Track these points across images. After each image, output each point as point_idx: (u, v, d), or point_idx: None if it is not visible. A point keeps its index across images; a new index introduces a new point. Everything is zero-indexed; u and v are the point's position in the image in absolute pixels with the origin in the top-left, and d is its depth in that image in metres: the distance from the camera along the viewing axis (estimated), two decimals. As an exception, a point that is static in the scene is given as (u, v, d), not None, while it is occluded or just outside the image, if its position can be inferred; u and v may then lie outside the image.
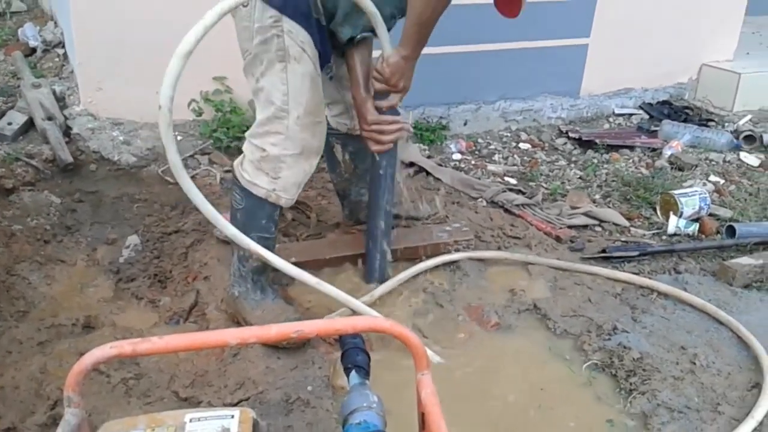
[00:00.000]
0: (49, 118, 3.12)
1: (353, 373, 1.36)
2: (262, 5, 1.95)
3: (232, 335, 1.17)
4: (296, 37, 1.97)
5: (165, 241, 2.67)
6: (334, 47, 2.18)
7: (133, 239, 2.66)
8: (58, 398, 1.83)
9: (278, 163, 2.05)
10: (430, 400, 1.19)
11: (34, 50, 3.86)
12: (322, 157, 3.25)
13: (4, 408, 1.83)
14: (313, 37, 2.00)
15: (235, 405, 1.86)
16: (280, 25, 1.95)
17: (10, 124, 3.12)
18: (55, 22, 4.05)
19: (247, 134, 2.12)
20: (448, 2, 1.91)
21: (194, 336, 1.18)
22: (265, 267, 2.17)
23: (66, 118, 3.22)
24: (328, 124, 2.54)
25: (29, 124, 3.17)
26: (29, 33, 3.93)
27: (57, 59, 3.77)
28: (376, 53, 2.18)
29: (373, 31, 2.09)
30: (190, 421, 1.12)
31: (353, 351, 1.40)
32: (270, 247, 2.17)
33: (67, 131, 3.17)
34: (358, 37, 2.11)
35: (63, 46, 3.83)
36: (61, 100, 3.32)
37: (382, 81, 2.12)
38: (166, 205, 2.87)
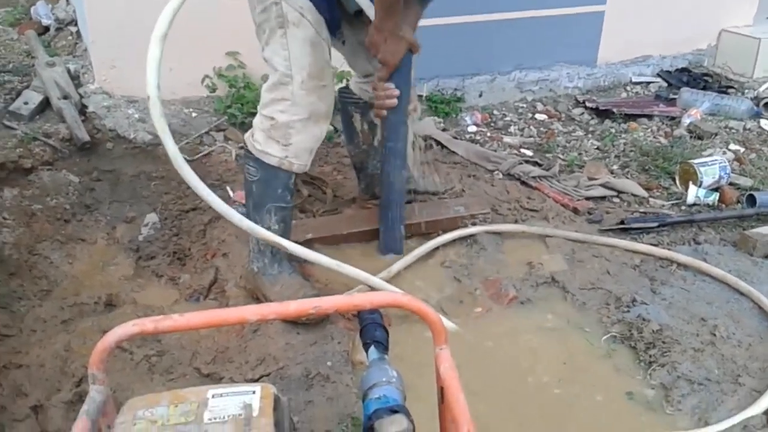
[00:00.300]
0: (65, 97, 3.13)
1: (372, 348, 1.37)
2: None
3: (251, 312, 1.18)
4: (294, 3, 2.00)
5: (183, 218, 2.69)
6: (358, 16, 2.19)
7: (152, 217, 2.68)
8: (83, 375, 1.86)
9: (288, 129, 2.08)
10: (449, 374, 1.20)
11: (47, 29, 3.85)
12: (337, 131, 3.30)
13: (30, 386, 1.87)
14: (316, 3, 2.03)
15: (256, 381, 1.89)
16: None
17: (26, 103, 3.13)
18: (67, 0, 4.04)
19: (258, 107, 2.16)
20: None
21: (214, 313, 1.19)
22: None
23: (81, 97, 3.23)
24: (349, 92, 2.56)
25: (45, 104, 3.18)
26: (42, 11, 3.93)
27: (70, 37, 3.76)
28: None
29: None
30: (213, 397, 1.13)
31: (372, 326, 1.40)
32: (288, 218, 2.21)
33: (82, 110, 3.17)
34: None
35: (76, 24, 3.82)
36: (75, 79, 3.32)
37: (369, 49, 2.18)
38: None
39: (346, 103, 2.59)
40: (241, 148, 3.05)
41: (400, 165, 2.35)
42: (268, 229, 2.15)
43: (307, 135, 2.11)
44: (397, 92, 2.18)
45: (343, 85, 2.74)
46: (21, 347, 2.01)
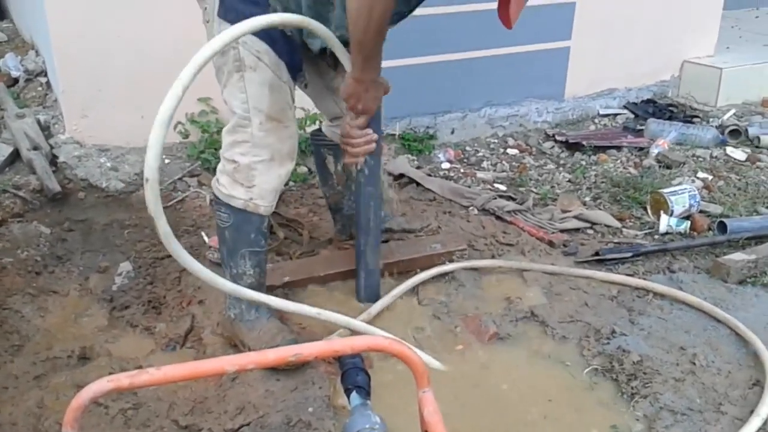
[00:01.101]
0: (35, 148, 3.10)
1: (354, 394, 1.36)
2: (219, 21, 2.01)
3: (229, 362, 1.16)
4: (251, 48, 2.00)
5: (158, 266, 2.65)
6: (323, 58, 2.19)
7: (126, 266, 2.64)
8: (57, 433, 1.81)
9: (250, 171, 2.07)
10: (433, 418, 1.18)
11: (16, 80, 3.83)
12: (312, 172, 3.31)
13: (2, 446, 1.81)
14: (275, 47, 2.03)
15: (236, 431, 1.85)
16: None
17: (-5, 156, 3.10)
18: (36, 51, 4.03)
19: (221, 151, 2.14)
20: (385, 24, 1.87)
21: (192, 365, 1.17)
22: (259, 285, 2.16)
23: (52, 147, 3.20)
24: (321, 135, 2.55)
25: (15, 155, 3.15)
26: (11, 63, 3.91)
27: (40, 88, 3.74)
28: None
29: (345, 43, 2.06)
30: (192, 452, 1.11)
31: (353, 371, 1.39)
32: (262, 262, 2.18)
33: (53, 160, 3.14)
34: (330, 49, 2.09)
35: (45, 75, 3.81)
36: (45, 129, 3.30)
37: (346, 102, 2.10)
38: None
39: (318, 146, 2.59)
40: (214, 193, 3.05)
41: (377, 208, 2.34)
42: (243, 274, 2.13)
43: (270, 176, 2.10)
44: (376, 137, 2.15)
45: (316, 127, 2.75)
46: (-8, 405, 1.95)
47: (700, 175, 3.53)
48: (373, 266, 2.39)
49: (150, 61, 3.16)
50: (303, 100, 2.56)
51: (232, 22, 1.92)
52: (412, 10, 2.10)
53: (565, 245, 2.85)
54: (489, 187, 3.40)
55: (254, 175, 2.07)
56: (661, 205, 3.06)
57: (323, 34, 1.97)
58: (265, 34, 2.00)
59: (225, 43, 1.79)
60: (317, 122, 3.33)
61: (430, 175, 3.46)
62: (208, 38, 2.07)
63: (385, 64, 2.04)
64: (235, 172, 2.08)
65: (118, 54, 3.17)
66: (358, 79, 2.00)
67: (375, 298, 2.40)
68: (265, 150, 2.07)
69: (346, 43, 2.03)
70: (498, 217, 3.06)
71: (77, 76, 3.18)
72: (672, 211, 3.00)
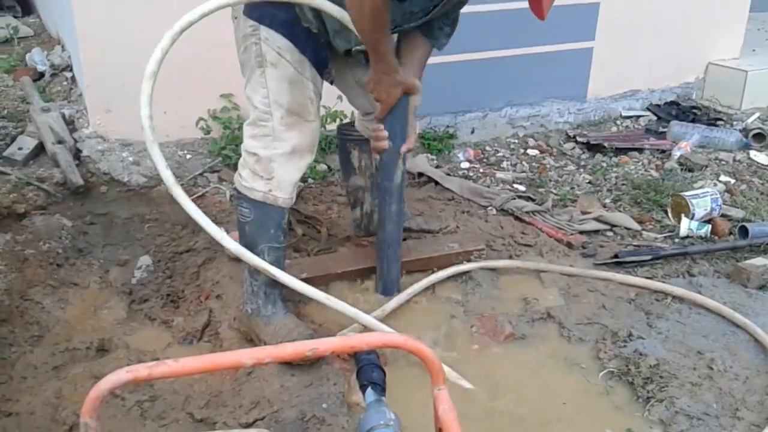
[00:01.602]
0: (59, 142, 3.14)
1: (369, 390, 1.36)
2: (243, 17, 2.07)
3: (247, 356, 1.17)
4: (273, 44, 2.05)
5: (177, 260, 2.68)
6: (354, 55, 2.21)
7: (145, 260, 2.67)
8: (74, 423, 1.84)
9: (270, 163, 2.11)
10: (447, 416, 1.19)
11: (42, 75, 3.89)
12: (330, 170, 3.32)
13: (20, 434, 1.84)
14: (298, 44, 2.07)
15: (251, 425, 1.86)
16: (257, 34, 2.05)
17: (20, 149, 3.14)
18: (62, 46, 4.08)
19: (242, 146, 2.19)
20: (380, 22, 1.93)
21: (210, 358, 1.18)
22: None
23: (76, 141, 3.24)
24: (348, 130, 2.58)
25: (39, 149, 3.19)
26: (37, 58, 3.97)
27: (65, 83, 3.79)
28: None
29: (362, 52, 2.13)
30: (207, 444, 1.12)
31: (368, 367, 1.40)
32: (281, 258, 2.21)
33: (77, 154, 3.18)
34: (355, 49, 2.14)
35: (71, 70, 3.85)
36: (70, 124, 3.34)
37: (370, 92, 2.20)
38: (176, 225, 2.87)
39: (344, 140, 2.62)
40: (235, 188, 3.07)
41: (395, 206, 2.34)
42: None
43: (290, 168, 2.13)
44: (384, 134, 2.18)
45: (335, 125, 2.76)
46: (11, 395, 1.98)
47: (723, 178, 3.49)
48: (394, 261, 2.39)
49: (173, 57, 3.18)
50: (324, 98, 2.57)
51: (256, 20, 2.00)
52: (411, 25, 2.10)
53: (583, 247, 2.83)
54: (508, 187, 3.38)
55: (273, 167, 2.11)
56: (682, 208, 3.03)
57: (331, 9, 2.00)
58: (289, 31, 2.05)
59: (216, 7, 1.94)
60: (338, 120, 3.34)
61: (449, 175, 3.45)
62: (235, 34, 2.14)
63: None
64: (256, 164, 2.12)
65: (143, 50, 3.15)
66: (377, 70, 2.09)
67: (395, 292, 2.40)
68: (285, 143, 2.11)
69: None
70: (517, 218, 3.04)
71: (102, 72, 3.22)
72: (693, 215, 2.97)
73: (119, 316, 2.41)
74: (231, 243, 2.11)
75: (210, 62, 3.20)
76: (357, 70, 2.34)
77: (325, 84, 2.27)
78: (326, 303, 2.10)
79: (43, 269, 2.56)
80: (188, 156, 3.32)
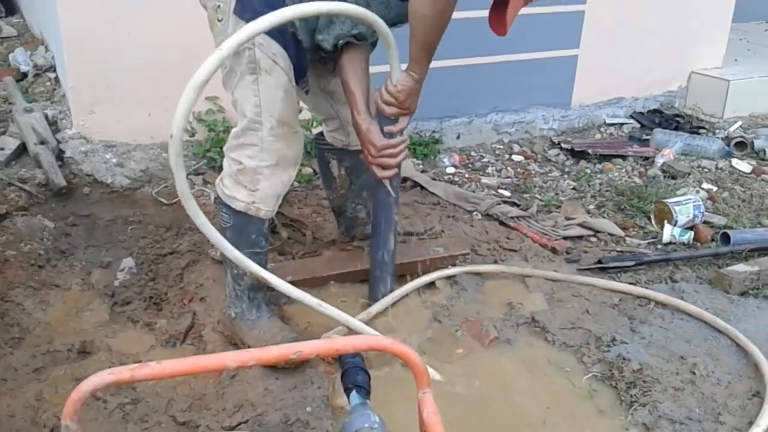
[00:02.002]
0: (42, 143, 3.11)
1: (354, 393, 1.35)
2: (235, 19, 1.97)
3: (231, 358, 1.16)
4: (267, 50, 1.97)
5: (160, 262, 2.66)
6: (324, 62, 2.19)
7: (128, 262, 2.65)
8: (55, 426, 1.82)
9: (255, 175, 2.05)
10: (432, 419, 1.18)
11: (25, 75, 3.85)
12: (316, 173, 3.31)
13: (0, 437, 1.82)
14: (288, 50, 2.01)
15: (234, 428, 1.85)
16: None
17: (2, 149, 3.11)
18: (46, 47, 4.05)
19: (224, 148, 2.12)
20: (448, 22, 1.92)
21: (193, 360, 1.17)
22: (261, 284, 2.15)
23: (58, 142, 3.21)
24: (324, 139, 2.55)
25: (22, 149, 3.16)
26: (20, 58, 3.93)
27: (48, 83, 3.76)
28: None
29: (355, 36, 2.08)
30: (190, 447, 1.11)
31: (353, 370, 1.39)
32: (262, 263, 2.16)
33: (59, 155, 3.15)
34: (341, 43, 2.09)
35: (54, 71, 3.82)
36: (53, 124, 3.31)
37: (396, 105, 2.10)
38: (160, 227, 2.86)
39: (322, 150, 2.59)
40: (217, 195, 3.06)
41: (396, 209, 2.32)
42: (244, 274, 2.12)
43: (275, 181, 2.08)
44: (405, 152, 2.16)
45: (321, 129, 2.75)
46: (-9, 397, 1.96)
47: (705, 186, 3.53)
48: (388, 264, 2.38)
49: (159, 59, 3.18)
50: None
51: (248, 21, 1.89)
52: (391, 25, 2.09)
53: (568, 252, 2.84)
54: (493, 192, 3.40)
55: (259, 179, 2.06)
56: (665, 215, 3.05)
57: (383, 30, 1.97)
58: (280, 37, 1.98)
59: (272, 24, 1.77)
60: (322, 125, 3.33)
61: (434, 179, 3.46)
62: (215, 38, 2.06)
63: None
64: (240, 174, 2.06)
65: (128, 52, 3.18)
66: (420, 79, 2.07)
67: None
68: (272, 155, 2.05)
69: (360, 38, 2.06)
70: (501, 223, 3.05)
71: (86, 73, 3.20)
72: (676, 221, 3.00)
73: (101, 319, 2.39)
74: (267, 275, 2.02)
75: (195, 65, 3.18)
76: (322, 79, 2.32)
77: None
78: (315, 307, 2.06)
79: (25, 270, 2.53)
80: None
